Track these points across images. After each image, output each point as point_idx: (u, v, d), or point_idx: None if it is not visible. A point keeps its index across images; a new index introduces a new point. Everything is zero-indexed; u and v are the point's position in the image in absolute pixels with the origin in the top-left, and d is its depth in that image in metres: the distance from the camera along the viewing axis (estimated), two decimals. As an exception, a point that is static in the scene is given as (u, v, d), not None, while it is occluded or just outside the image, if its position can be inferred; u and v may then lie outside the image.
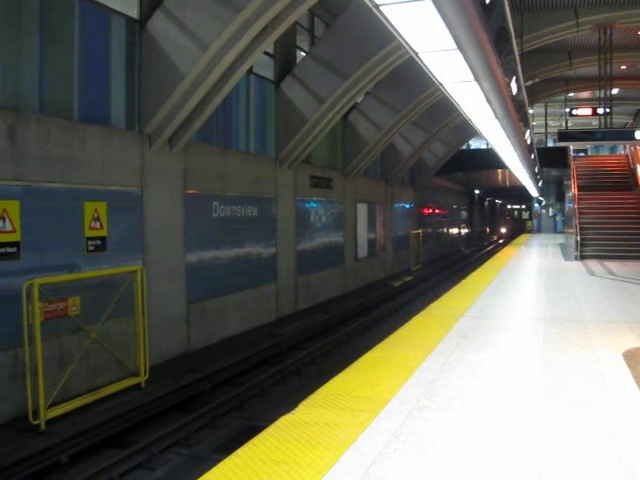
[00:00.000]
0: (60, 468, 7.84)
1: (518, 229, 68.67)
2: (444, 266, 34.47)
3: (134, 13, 11.53)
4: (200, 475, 4.14)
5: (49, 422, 8.69)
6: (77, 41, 10.21)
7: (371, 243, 26.01)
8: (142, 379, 10.64)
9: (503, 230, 75.42)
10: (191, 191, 13.15)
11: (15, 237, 9.02)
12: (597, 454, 4.30)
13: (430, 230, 37.78)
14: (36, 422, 8.49)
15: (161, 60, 11.29)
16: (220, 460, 4.31)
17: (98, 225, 10.51)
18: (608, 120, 21.98)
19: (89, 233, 10.34)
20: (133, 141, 11.48)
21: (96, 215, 10.45)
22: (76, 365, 9.71)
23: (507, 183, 48.25)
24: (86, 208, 10.29)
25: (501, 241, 61.13)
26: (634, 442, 4.51)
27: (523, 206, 78.00)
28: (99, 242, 10.55)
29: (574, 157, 30.89)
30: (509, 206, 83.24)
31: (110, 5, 11.01)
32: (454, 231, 47.56)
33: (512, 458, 4.25)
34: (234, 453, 4.37)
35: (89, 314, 10.12)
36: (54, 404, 8.94)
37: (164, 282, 12.27)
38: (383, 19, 6.01)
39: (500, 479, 3.95)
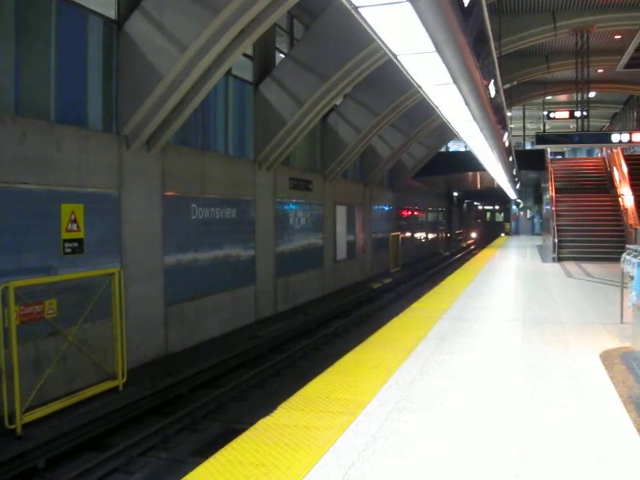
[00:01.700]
0: (37, 473, 7.76)
1: (494, 231, 66.48)
2: (423, 268, 34.56)
3: (111, 14, 11.45)
4: (179, 479, 4.11)
5: (26, 426, 8.59)
6: (54, 41, 10.13)
7: (350, 245, 26.02)
8: (120, 382, 10.56)
9: (479, 232, 74.16)
10: (169, 193, 13.09)
11: (-10, 239, 8.92)
12: (574, 454, 4.32)
13: (409, 232, 37.87)
14: (12, 426, 8.39)
15: (139, 61, 11.22)
16: (199, 463, 4.29)
17: (75, 227, 10.42)
18: (585, 123, 22.17)
19: (66, 235, 10.25)
20: (110, 143, 11.40)
21: (73, 217, 10.36)
22: (53, 369, 9.62)
23: (485, 185, 48.44)
24: (63, 210, 10.20)
25: (480, 243, 61.24)
26: (611, 442, 4.54)
27: (497, 207, 73.92)
28: (76, 244, 10.45)
29: (552, 160, 31.11)
30: (480, 207, 77.84)
31: (87, 5, 10.93)
32: (433, 233, 47.69)
33: (491, 459, 4.27)
34: (213, 456, 4.35)
35: (66, 317, 10.02)
36: (31, 408, 8.84)
37: (142, 284, 12.19)
38: (362, 21, 6.01)
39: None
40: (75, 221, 10.41)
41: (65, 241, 10.23)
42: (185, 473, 4.19)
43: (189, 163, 13.89)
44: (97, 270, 10.75)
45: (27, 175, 9.53)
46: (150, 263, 12.50)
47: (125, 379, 10.66)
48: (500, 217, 74.60)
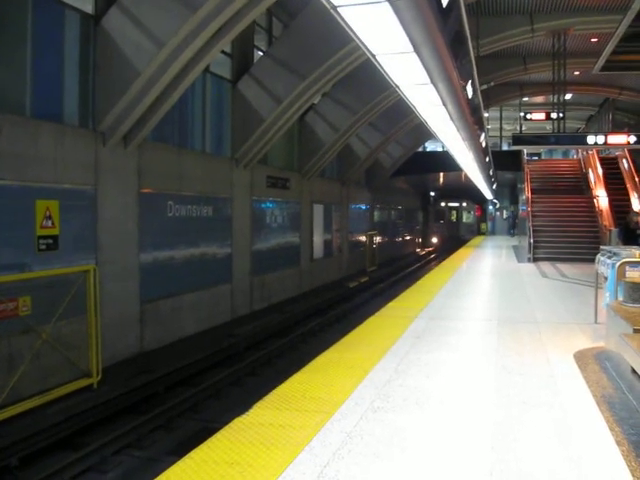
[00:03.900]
0: (10, 471, 7.69)
1: (468, 232, 58.07)
2: (399, 267, 34.69)
3: (89, 8, 11.36)
4: (153, 478, 4.09)
5: (-2, 424, 8.52)
6: (30, 36, 10.02)
7: (327, 244, 26.03)
8: (94, 380, 10.50)
9: (452, 232, 66.94)
10: (146, 190, 13.01)
11: (-36, 235, 8.82)
12: (548, 454, 4.35)
13: (386, 231, 37.94)
14: (-16, 424, 8.32)
15: (116, 57, 11.14)
16: (173, 462, 4.26)
17: (50, 224, 10.32)
18: (561, 125, 22.36)
19: (41, 232, 10.14)
20: (87, 139, 11.30)
21: (48, 213, 10.26)
22: (26, 366, 9.53)
23: (461, 185, 48.49)
24: (38, 206, 10.09)
25: (456, 242, 60.66)
26: (584, 442, 4.58)
27: (474, 205, 60.16)
28: (51, 241, 10.35)
29: (528, 160, 31.33)
30: (443, 204, 61.44)
31: (64, 0, 10.84)
32: (409, 232, 47.77)
33: (465, 457, 4.29)
34: (187, 455, 4.33)
35: (40, 314, 9.92)
36: (3, 406, 8.75)
37: (117, 282, 12.10)
38: (341, 20, 6.01)
39: (453, 478, 3.98)
40: (50, 217, 10.31)
41: (40, 237, 10.13)
42: (160, 472, 4.16)
43: (166, 160, 13.82)
44: (72, 267, 10.67)
45: (2, 171, 9.42)
46: (126, 260, 12.41)
47: (100, 377, 10.60)
48: (467, 217, 60.89)
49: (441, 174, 44.33)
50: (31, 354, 9.69)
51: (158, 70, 11.10)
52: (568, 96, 27.39)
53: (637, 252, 10.11)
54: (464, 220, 59.05)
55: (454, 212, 58.91)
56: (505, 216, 58.03)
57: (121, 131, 11.72)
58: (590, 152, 27.83)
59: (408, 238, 47.16)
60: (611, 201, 23.61)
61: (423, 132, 25.69)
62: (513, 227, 43.38)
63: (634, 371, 6.10)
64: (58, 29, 10.70)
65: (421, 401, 5.51)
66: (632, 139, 19.60)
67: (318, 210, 24.73)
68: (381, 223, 36.51)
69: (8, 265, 9.54)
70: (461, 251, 29.58)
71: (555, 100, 22.88)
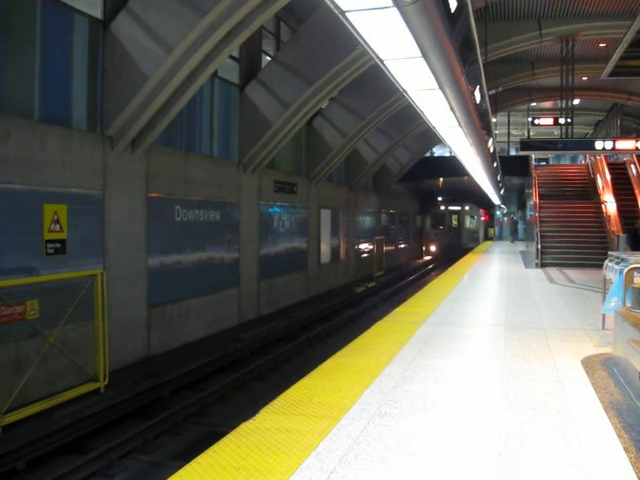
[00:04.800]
0: (17, 475, 7.69)
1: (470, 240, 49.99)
2: (406, 272, 34.61)
3: (97, 13, 11.40)
4: (159, 482, 4.09)
5: (5, 428, 8.52)
6: (39, 40, 10.06)
7: (334, 249, 26.02)
8: (101, 384, 10.50)
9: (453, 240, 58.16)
10: (153, 194, 13.03)
11: (-28, 239, 8.84)
12: (555, 460, 4.33)
13: (393, 236, 37.88)
14: (-8, 428, 8.33)
15: (124, 61, 11.18)
16: (180, 467, 4.26)
17: (58, 228, 10.35)
18: (569, 130, 22.31)
19: (48, 236, 10.17)
20: (95, 143, 11.34)
21: (56, 218, 10.29)
22: (34, 370, 9.54)
23: (468, 190, 48.18)
24: (46, 210, 10.12)
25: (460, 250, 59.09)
26: (592, 448, 4.55)
27: (467, 207, 49.79)
28: (59, 245, 10.38)
29: (536, 166, 31.29)
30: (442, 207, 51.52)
31: (73, 5, 10.87)
32: (416, 237, 47.58)
33: (472, 463, 4.27)
34: (194, 460, 4.32)
35: (48, 318, 9.94)
36: (11, 409, 8.77)
37: (125, 286, 12.12)
38: (349, 25, 6.01)
39: (460, 485, 3.97)
40: (58, 222, 10.34)
41: (47, 242, 10.16)
42: (166, 477, 4.16)
43: (173, 164, 13.85)
44: (80, 271, 10.69)
45: (10, 175, 9.45)
46: (133, 265, 12.44)
47: (107, 381, 10.60)
48: (469, 222, 50.55)
49: (450, 180, 44.25)
50: (38, 358, 9.70)
51: (166, 75, 11.13)
52: (576, 101, 27.34)
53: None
54: (467, 226, 50.93)
55: (455, 216, 50.59)
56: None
57: (129, 136, 11.75)
58: (598, 157, 27.76)
59: (415, 242, 46.99)
60: (619, 207, 23.53)
61: (431, 137, 25.71)
62: (514, 233, 43.04)
63: (642, 377, 6.07)
64: (67, 34, 10.74)
65: (428, 407, 5.49)
66: (640, 144, 19.53)
67: (325, 215, 24.74)
68: (388, 228, 36.45)
69: (16, 269, 9.57)
70: (468, 256, 29.51)
71: (563, 105, 22.82)
